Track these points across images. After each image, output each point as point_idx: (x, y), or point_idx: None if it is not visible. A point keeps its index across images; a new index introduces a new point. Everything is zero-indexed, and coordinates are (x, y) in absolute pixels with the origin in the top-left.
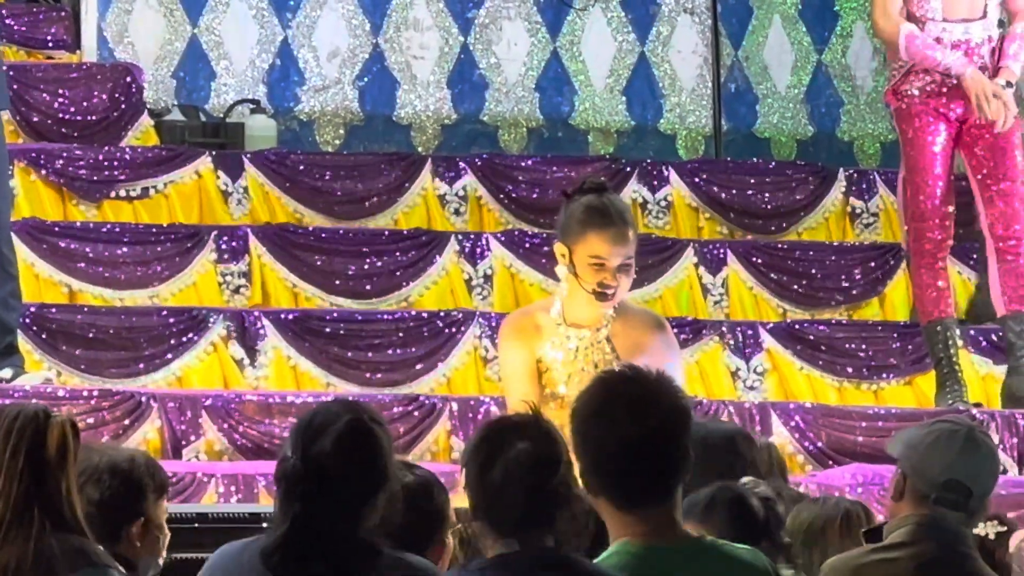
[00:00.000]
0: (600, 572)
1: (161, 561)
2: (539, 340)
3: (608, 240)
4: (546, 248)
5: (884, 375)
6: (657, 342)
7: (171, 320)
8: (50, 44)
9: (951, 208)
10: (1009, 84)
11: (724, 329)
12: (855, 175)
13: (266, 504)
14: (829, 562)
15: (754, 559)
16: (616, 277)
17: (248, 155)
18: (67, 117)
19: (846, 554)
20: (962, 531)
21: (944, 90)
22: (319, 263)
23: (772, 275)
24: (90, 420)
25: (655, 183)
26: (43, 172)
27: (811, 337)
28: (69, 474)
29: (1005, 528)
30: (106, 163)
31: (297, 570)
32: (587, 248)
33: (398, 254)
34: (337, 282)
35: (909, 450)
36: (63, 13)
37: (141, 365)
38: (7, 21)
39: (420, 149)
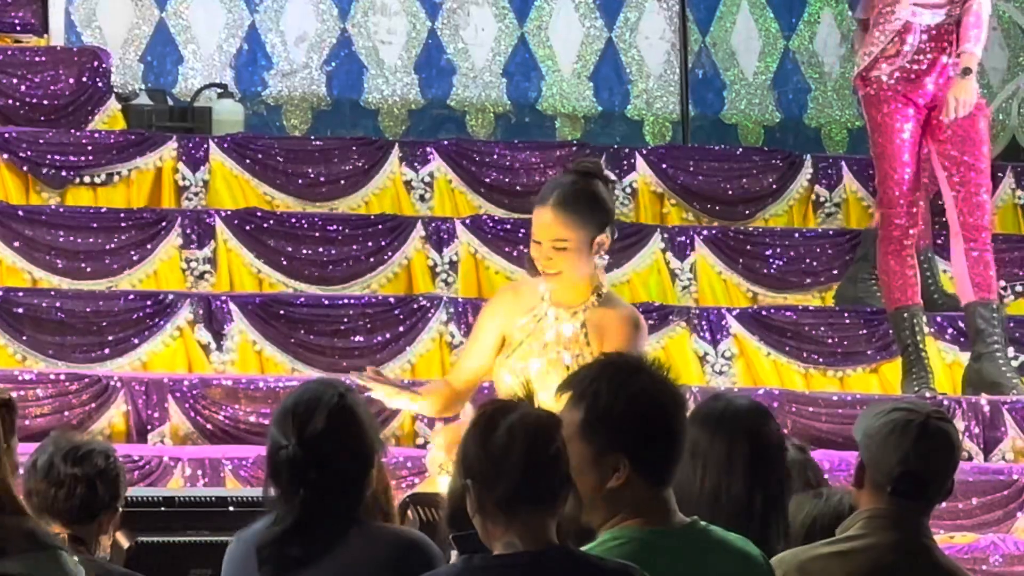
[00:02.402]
0: (607, 566)
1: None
2: (519, 312)
3: (540, 218)
4: (513, 235)
5: (850, 362)
6: (622, 341)
7: (137, 304)
8: (18, 28)
9: (919, 195)
10: (968, 71)
11: (692, 314)
12: (822, 162)
13: (232, 488)
14: (778, 556)
15: (746, 545)
16: (551, 256)
17: (215, 139)
18: (34, 101)
19: (798, 548)
20: (919, 522)
21: (912, 76)
22: (285, 249)
23: (740, 260)
24: (56, 404)
25: (623, 169)
26: (9, 156)
27: (778, 323)
28: (6, 456)
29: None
30: (73, 147)
31: (312, 553)
32: (532, 223)
33: (364, 240)
34: (303, 268)
35: (867, 439)
36: None
37: (107, 350)
38: None
39: (387, 134)
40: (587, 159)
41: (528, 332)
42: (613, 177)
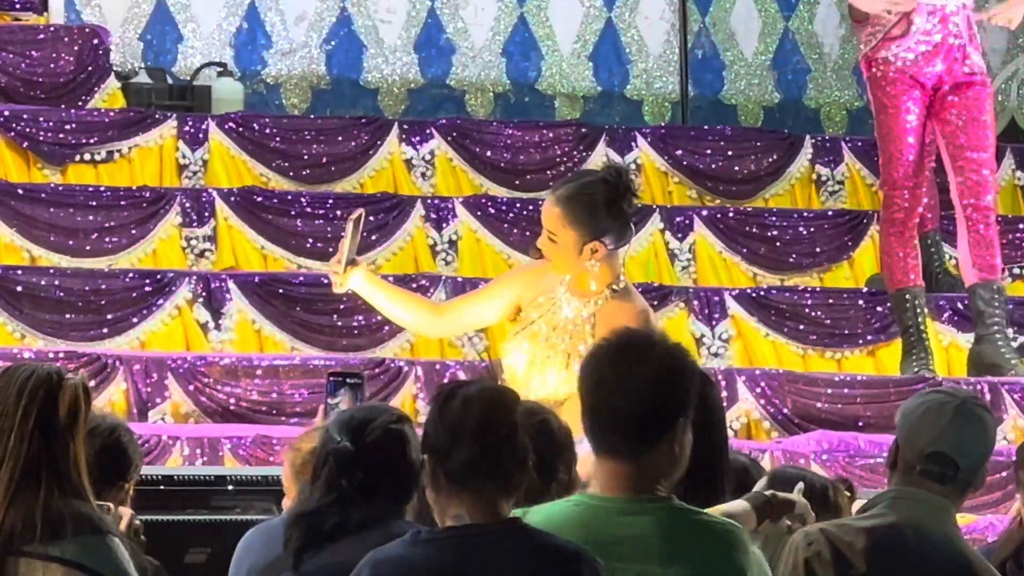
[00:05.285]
0: (554, 541)
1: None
2: (539, 290)
3: (544, 205)
4: (513, 215)
5: (848, 343)
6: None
7: (136, 283)
8: (17, 6)
9: (923, 177)
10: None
11: (689, 295)
12: (822, 142)
13: (231, 467)
14: (804, 528)
15: (726, 524)
16: (545, 243)
17: (215, 118)
18: (34, 79)
19: (826, 521)
20: (943, 506)
21: (919, 58)
22: (285, 226)
23: (740, 240)
24: None
25: (623, 149)
26: (9, 134)
27: (777, 304)
28: (77, 438)
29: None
30: (72, 125)
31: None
32: None
33: (365, 218)
34: (304, 245)
35: (902, 419)
36: None
37: (106, 328)
38: None
39: (387, 113)
40: (619, 166)
41: (541, 313)
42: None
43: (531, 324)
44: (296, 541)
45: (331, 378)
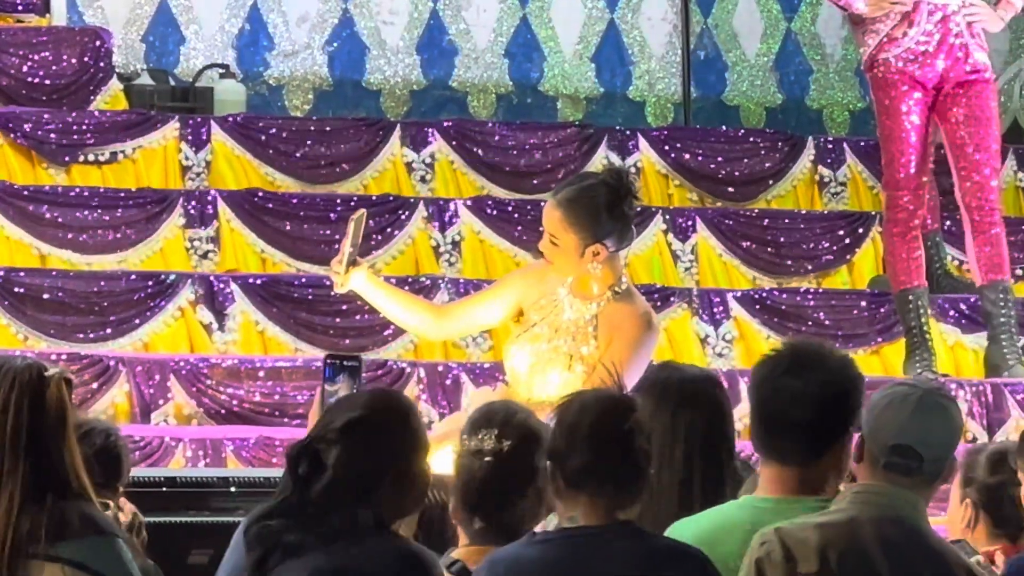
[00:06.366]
0: (665, 542)
1: None
2: (541, 292)
3: (545, 207)
4: (515, 216)
5: (851, 344)
6: (629, 338)
7: (139, 285)
8: (19, 7)
9: (926, 178)
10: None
11: (693, 296)
12: (824, 143)
13: (234, 468)
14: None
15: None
16: (546, 245)
17: (217, 120)
18: (36, 81)
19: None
20: (909, 499)
21: (920, 58)
22: (288, 228)
23: (741, 243)
24: None
25: (625, 150)
26: (12, 136)
27: (779, 306)
28: (70, 436)
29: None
30: (75, 127)
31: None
32: None
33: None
34: (305, 248)
35: (867, 413)
36: None
37: (109, 330)
38: None
39: (389, 115)
40: (620, 168)
41: (543, 315)
42: (638, 192)
43: (533, 326)
44: None
45: (328, 361)
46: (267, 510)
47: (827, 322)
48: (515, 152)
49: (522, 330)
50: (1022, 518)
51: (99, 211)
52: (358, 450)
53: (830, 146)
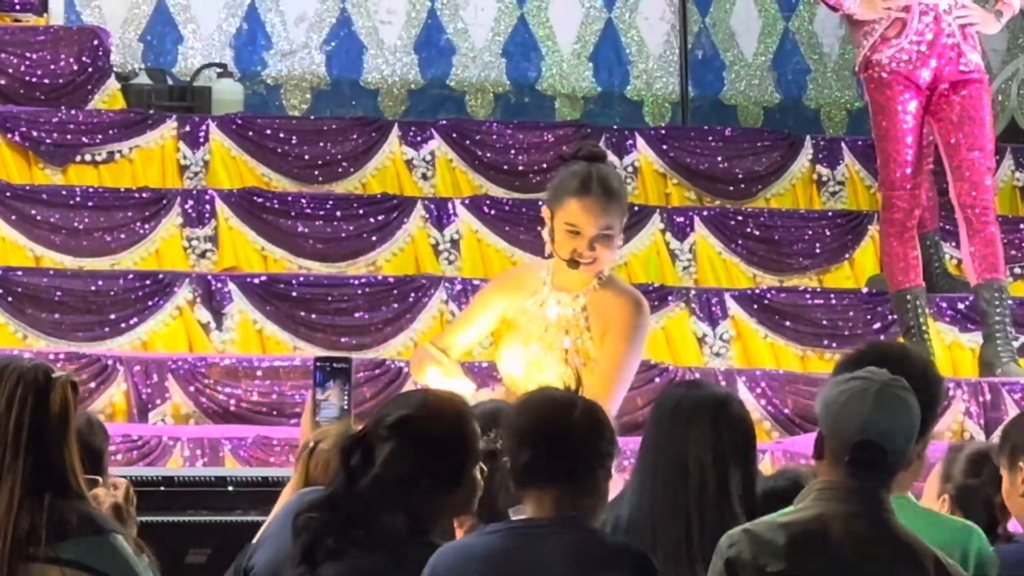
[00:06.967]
0: (604, 536)
1: None
2: (522, 296)
3: (584, 209)
4: (513, 215)
5: (848, 344)
6: (624, 325)
7: (137, 284)
8: (17, 7)
9: (922, 178)
10: (1000, 14)
11: (690, 295)
12: (822, 143)
13: (231, 468)
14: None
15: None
16: (593, 247)
17: (215, 119)
18: (34, 80)
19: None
20: (874, 493)
21: (914, 58)
22: (286, 227)
23: (740, 241)
24: None
25: (623, 149)
26: (9, 136)
27: (776, 305)
28: (70, 438)
29: None
30: (72, 127)
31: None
32: (564, 215)
33: (365, 218)
34: (305, 246)
35: (825, 409)
36: None
37: (107, 329)
38: None
39: (387, 114)
40: (589, 143)
41: (530, 317)
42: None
43: (521, 329)
44: None
45: (318, 364)
46: (318, 500)
47: (824, 321)
48: (513, 151)
49: (512, 334)
50: (995, 519)
51: (96, 211)
52: (407, 448)
53: (828, 145)
